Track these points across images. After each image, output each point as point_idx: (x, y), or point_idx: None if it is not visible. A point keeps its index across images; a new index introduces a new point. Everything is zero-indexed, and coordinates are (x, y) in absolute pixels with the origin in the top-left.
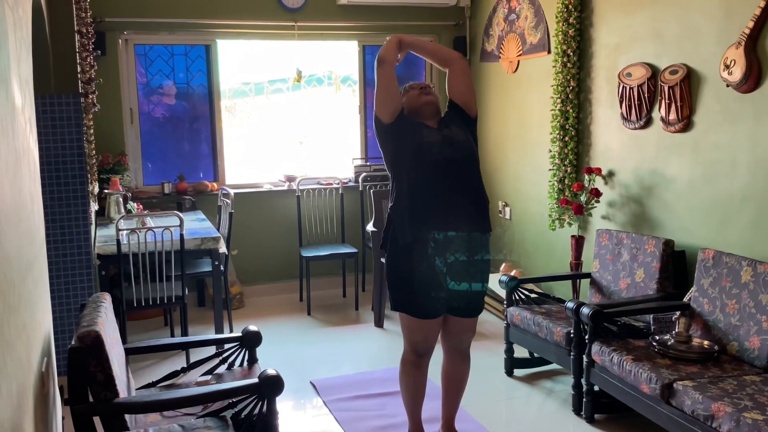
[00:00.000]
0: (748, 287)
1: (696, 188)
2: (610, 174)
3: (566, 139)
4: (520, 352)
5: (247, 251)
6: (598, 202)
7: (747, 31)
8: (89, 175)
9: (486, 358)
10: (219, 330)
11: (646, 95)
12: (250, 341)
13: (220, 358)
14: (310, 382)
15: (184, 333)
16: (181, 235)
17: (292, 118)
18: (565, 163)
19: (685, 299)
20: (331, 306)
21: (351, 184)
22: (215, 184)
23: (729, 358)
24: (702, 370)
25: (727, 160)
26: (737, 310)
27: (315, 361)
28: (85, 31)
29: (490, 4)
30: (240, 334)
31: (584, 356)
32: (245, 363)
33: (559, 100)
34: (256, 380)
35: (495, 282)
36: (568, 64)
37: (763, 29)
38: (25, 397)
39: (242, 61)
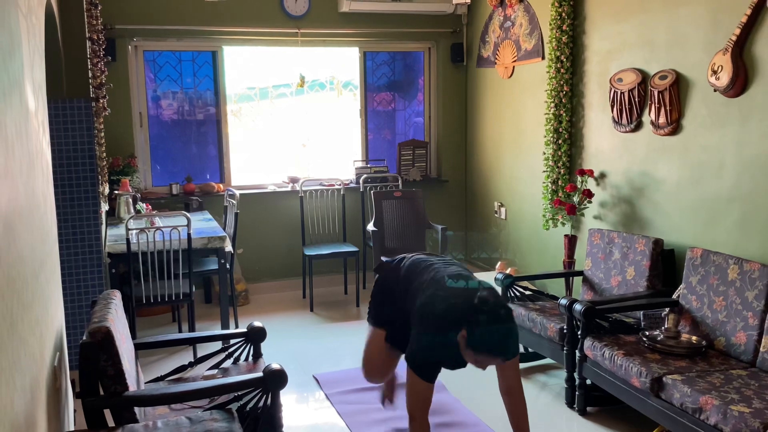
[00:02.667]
0: (734, 285)
1: (684, 189)
2: (602, 175)
3: (559, 141)
4: None
5: (252, 250)
6: (590, 202)
7: (734, 38)
8: (100, 177)
9: None
10: (225, 326)
11: (636, 100)
12: (255, 337)
13: (226, 353)
14: (313, 376)
15: (192, 329)
16: (189, 235)
17: (295, 121)
18: (559, 165)
19: (674, 296)
20: (333, 303)
21: (352, 185)
22: (221, 186)
23: (716, 353)
24: (690, 364)
25: (715, 162)
26: (724, 307)
27: (317, 356)
28: (96, 37)
29: (487, 12)
30: (245, 330)
31: (577, 351)
32: (250, 358)
33: (552, 105)
34: (260, 374)
35: (491, 280)
36: (562, 70)
37: (749, 36)
38: (38, 391)
39: (247, 67)
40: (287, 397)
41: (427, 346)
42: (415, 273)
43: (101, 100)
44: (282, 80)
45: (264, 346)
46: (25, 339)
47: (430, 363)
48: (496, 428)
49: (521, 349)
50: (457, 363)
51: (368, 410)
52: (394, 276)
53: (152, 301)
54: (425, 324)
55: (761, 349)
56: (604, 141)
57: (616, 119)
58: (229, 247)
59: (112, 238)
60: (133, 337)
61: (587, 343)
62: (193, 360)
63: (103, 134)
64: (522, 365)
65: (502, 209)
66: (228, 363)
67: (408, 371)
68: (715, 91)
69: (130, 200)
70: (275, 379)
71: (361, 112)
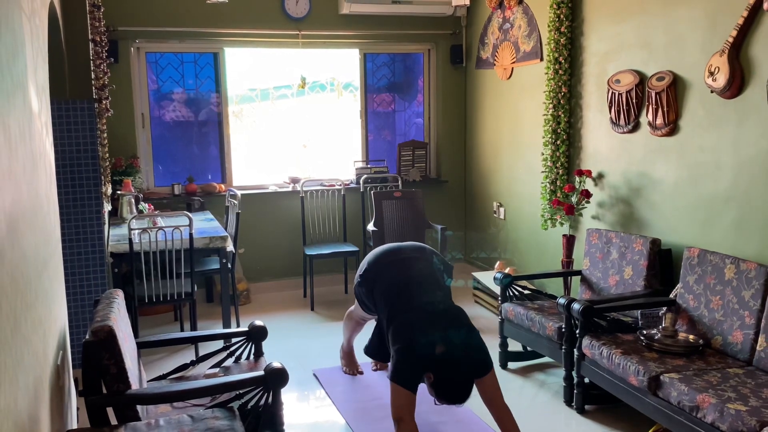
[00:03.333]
0: (731, 284)
1: (682, 189)
2: (600, 176)
3: (558, 142)
4: (514, 345)
5: (253, 250)
6: (588, 202)
7: (730, 40)
8: (103, 177)
9: None
10: (226, 325)
11: (634, 101)
12: (257, 335)
13: (228, 351)
14: (314, 374)
15: (193, 328)
16: (191, 235)
17: (296, 122)
18: (557, 165)
19: (672, 295)
20: (334, 302)
21: (352, 185)
22: (223, 186)
23: (713, 351)
24: (687, 363)
25: (711, 163)
26: (721, 306)
27: (318, 354)
28: (98, 39)
29: (486, 14)
30: (246, 329)
31: (575, 350)
32: (251, 356)
33: (551, 106)
34: (262, 373)
35: (489, 279)
36: (560, 71)
37: (745, 38)
38: (41, 389)
39: (249, 69)
40: (288, 395)
41: (403, 369)
42: (390, 298)
43: (104, 102)
44: (283, 81)
45: (265, 345)
46: (28, 338)
47: (409, 378)
48: (494, 426)
49: (520, 347)
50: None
51: (368, 408)
52: (369, 289)
53: (154, 300)
54: (398, 356)
55: (758, 347)
56: (602, 142)
57: (614, 120)
58: (230, 247)
59: (115, 237)
60: (136, 335)
61: (585, 341)
62: (195, 359)
63: (105, 135)
64: (521, 364)
65: (501, 209)
66: (229, 361)
67: (390, 382)
68: (712, 92)
69: (133, 200)
70: (276, 378)
71: (362, 113)
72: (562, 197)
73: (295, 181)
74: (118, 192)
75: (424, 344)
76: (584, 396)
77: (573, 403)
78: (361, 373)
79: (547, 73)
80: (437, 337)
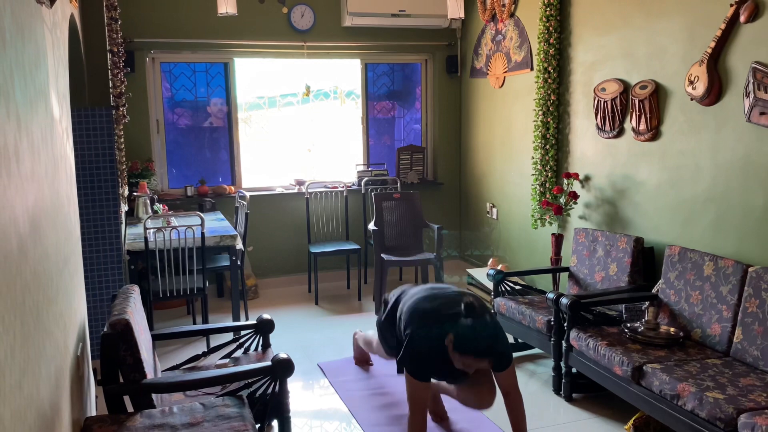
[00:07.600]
0: (710, 280)
1: (663, 191)
2: (587, 178)
3: (547, 147)
4: None
5: (261, 247)
6: (575, 203)
7: (709, 51)
8: (120, 180)
9: None
10: (236, 318)
11: (618, 108)
12: (264, 328)
13: (237, 343)
14: (318, 365)
15: (205, 321)
16: (202, 234)
17: (301, 128)
18: (546, 168)
19: (654, 290)
20: (337, 296)
21: (354, 187)
22: (233, 188)
23: (693, 343)
24: (669, 354)
25: (691, 166)
26: (700, 301)
27: (322, 346)
28: (116, 50)
29: (479, 26)
30: (255, 322)
31: (563, 342)
32: (260, 348)
33: (540, 112)
34: (269, 363)
35: (483, 275)
36: (549, 80)
37: (723, 49)
38: (62, 378)
39: (257, 78)
40: (294, 385)
41: (418, 362)
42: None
43: (121, 109)
44: (289, 90)
45: (272, 337)
46: (50, 330)
47: (425, 370)
48: (497, 422)
49: (511, 339)
50: (445, 366)
51: (369, 396)
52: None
53: (168, 295)
54: (412, 346)
55: (735, 339)
56: (588, 146)
57: (600, 126)
58: (239, 245)
59: (131, 236)
60: (151, 328)
61: (573, 334)
62: (206, 350)
63: (122, 140)
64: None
65: (494, 210)
66: (239, 353)
67: (405, 373)
68: (691, 99)
69: (148, 201)
70: (283, 368)
71: (363, 119)
72: (551, 198)
73: (300, 183)
74: (135, 193)
75: (437, 334)
76: (572, 385)
77: (561, 392)
78: (371, 364)
79: (537, 82)
80: (454, 324)
